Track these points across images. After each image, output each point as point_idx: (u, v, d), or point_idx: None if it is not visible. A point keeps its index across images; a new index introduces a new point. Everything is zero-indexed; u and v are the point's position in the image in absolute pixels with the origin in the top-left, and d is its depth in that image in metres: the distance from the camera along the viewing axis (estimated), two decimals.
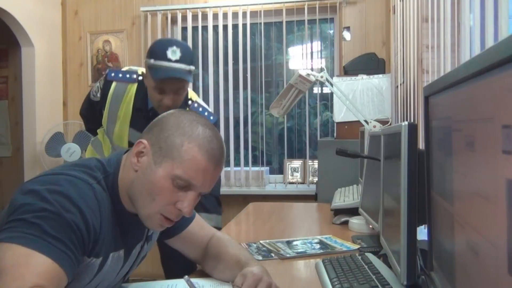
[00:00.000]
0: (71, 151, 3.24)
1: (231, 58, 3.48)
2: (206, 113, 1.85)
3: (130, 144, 1.74)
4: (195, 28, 3.51)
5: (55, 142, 3.29)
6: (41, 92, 3.44)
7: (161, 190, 0.88)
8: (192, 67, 1.67)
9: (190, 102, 1.83)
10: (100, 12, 3.62)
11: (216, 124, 1.93)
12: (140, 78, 1.77)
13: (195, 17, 3.47)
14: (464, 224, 0.55)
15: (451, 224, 0.62)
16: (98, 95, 1.82)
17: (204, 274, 1.15)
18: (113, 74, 1.79)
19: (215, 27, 3.47)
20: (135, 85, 1.77)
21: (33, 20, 3.34)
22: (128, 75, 1.78)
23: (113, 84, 1.77)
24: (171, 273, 1.80)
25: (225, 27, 3.44)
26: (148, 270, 2.12)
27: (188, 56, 1.64)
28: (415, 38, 1.99)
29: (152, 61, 1.61)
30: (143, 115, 1.74)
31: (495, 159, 0.42)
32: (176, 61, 1.60)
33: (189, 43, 3.49)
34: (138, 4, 3.53)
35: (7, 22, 3.22)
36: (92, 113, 1.92)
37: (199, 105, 1.86)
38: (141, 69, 1.81)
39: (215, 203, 1.82)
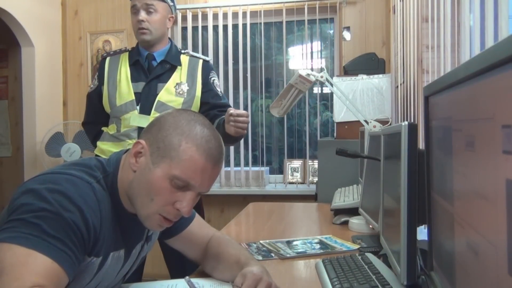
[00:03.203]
0: (71, 151, 3.24)
1: (231, 58, 3.48)
2: (200, 55, 2.00)
3: (137, 96, 1.86)
4: (195, 28, 3.51)
5: (55, 142, 3.29)
6: (41, 92, 3.44)
7: (159, 190, 0.88)
8: None
9: (182, 51, 1.98)
10: (100, 12, 3.62)
11: (210, 63, 2.01)
12: (130, 49, 1.98)
13: (195, 17, 3.47)
14: (464, 224, 0.55)
15: (451, 224, 0.62)
16: (96, 82, 1.98)
17: (204, 274, 1.15)
18: (105, 54, 2.01)
19: (215, 27, 3.46)
20: (127, 52, 1.97)
21: (33, 20, 3.34)
22: (118, 50, 2.02)
23: (107, 59, 1.97)
24: (176, 272, 1.80)
25: (225, 27, 3.44)
26: (148, 270, 2.12)
27: None
28: (415, 38, 1.99)
29: None
30: (140, 67, 1.91)
31: (495, 159, 0.42)
32: None
33: (189, 43, 3.49)
34: None
35: (7, 22, 3.22)
36: (94, 109, 1.98)
37: (191, 52, 2.01)
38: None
39: None
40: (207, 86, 1.93)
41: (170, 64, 1.90)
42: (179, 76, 1.90)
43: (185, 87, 1.88)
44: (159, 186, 0.88)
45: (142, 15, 1.84)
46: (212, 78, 1.96)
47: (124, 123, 1.86)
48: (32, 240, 0.75)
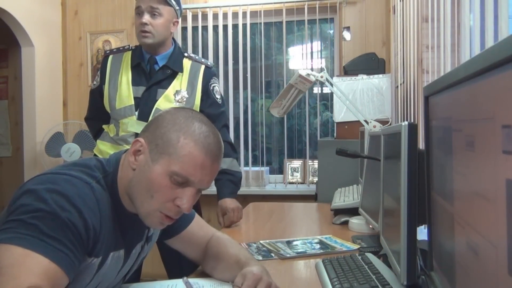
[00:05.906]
0: (71, 151, 3.24)
1: (231, 58, 3.48)
2: (203, 60, 1.98)
3: (137, 101, 1.84)
4: (195, 28, 3.51)
5: (55, 142, 3.29)
6: (41, 92, 3.44)
7: (159, 187, 0.88)
8: None
9: (186, 54, 1.96)
10: (100, 12, 3.62)
11: (213, 69, 1.99)
12: (133, 47, 1.95)
13: (195, 17, 3.47)
14: (464, 224, 0.55)
15: (451, 224, 0.62)
16: (98, 79, 1.96)
17: (204, 274, 1.15)
18: (108, 51, 1.99)
19: (215, 27, 3.47)
20: (130, 52, 1.95)
21: (33, 20, 3.34)
22: (121, 48, 1.99)
23: (110, 57, 1.94)
24: (173, 273, 1.80)
25: (225, 27, 3.44)
26: (148, 270, 2.12)
27: None
28: (415, 38, 1.99)
29: None
30: (142, 70, 1.89)
31: (495, 159, 0.42)
32: None
33: (189, 43, 3.49)
34: None
35: (7, 22, 3.22)
36: (96, 106, 1.97)
37: (194, 56, 1.98)
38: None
39: (227, 147, 1.86)
40: (206, 93, 1.91)
41: (171, 70, 1.87)
42: (180, 83, 1.87)
43: (184, 95, 1.86)
44: (159, 183, 0.88)
45: (146, 18, 1.80)
46: (213, 85, 1.93)
47: (122, 127, 1.85)
48: (30, 241, 0.75)
